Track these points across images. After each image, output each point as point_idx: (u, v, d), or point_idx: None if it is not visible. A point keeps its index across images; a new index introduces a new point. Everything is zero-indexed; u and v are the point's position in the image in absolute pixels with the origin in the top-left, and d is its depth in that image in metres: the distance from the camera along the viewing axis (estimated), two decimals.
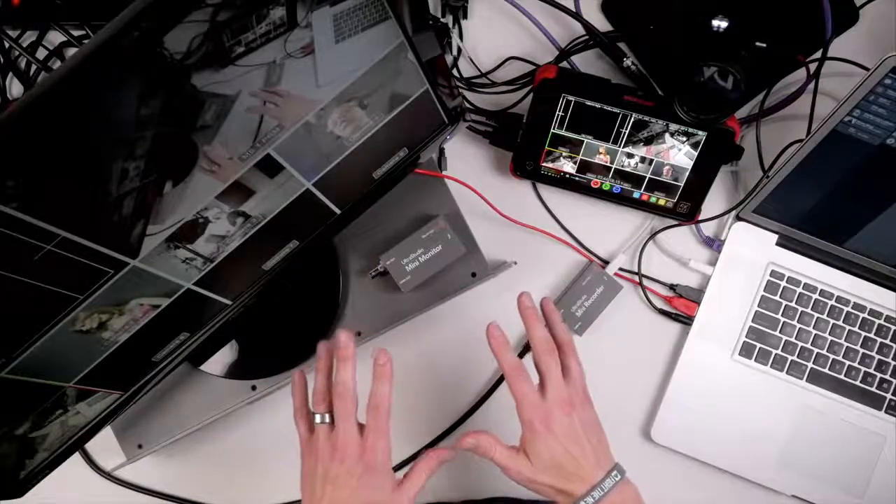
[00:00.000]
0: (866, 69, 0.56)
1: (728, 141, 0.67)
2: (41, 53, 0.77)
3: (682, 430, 0.71)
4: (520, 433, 0.55)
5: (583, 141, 0.69)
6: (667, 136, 0.68)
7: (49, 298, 0.43)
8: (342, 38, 0.45)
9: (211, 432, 0.71)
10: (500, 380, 0.72)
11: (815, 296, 0.72)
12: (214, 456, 0.73)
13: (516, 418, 0.54)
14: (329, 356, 0.57)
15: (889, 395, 0.71)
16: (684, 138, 0.68)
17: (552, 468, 0.53)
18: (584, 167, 0.71)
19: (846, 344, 0.72)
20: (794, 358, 0.72)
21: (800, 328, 0.72)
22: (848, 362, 0.72)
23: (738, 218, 0.73)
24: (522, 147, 0.71)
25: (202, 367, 0.70)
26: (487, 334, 0.57)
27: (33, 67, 0.77)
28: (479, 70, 0.76)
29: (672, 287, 0.74)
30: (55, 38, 0.77)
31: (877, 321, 0.72)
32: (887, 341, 0.72)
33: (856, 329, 0.72)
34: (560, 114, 0.68)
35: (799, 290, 0.72)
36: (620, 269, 0.74)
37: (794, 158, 0.64)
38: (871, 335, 0.72)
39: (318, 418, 0.54)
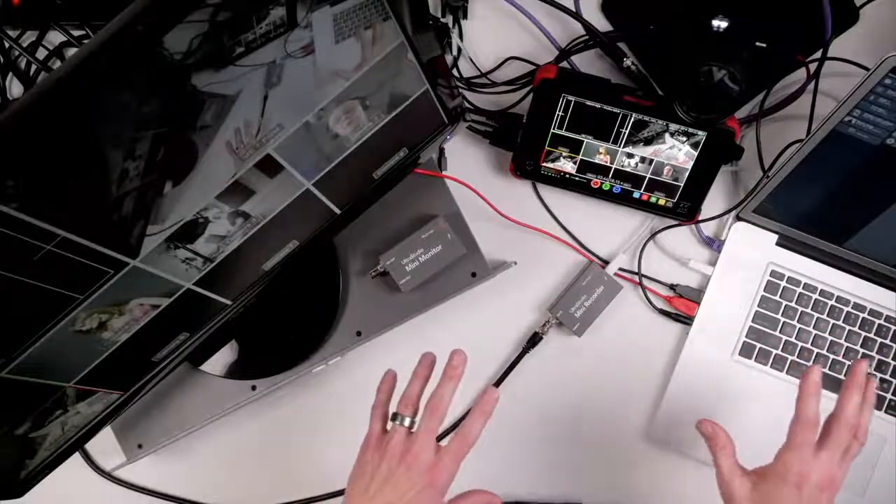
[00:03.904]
0: (866, 69, 0.56)
1: (728, 141, 0.67)
2: (41, 53, 0.77)
3: (682, 430, 0.71)
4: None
5: (583, 141, 0.69)
6: (667, 136, 0.68)
7: (49, 298, 0.43)
8: (342, 38, 0.46)
9: (211, 432, 0.71)
10: (498, 383, 0.72)
11: (815, 296, 0.72)
12: (214, 456, 0.73)
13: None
14: (430, 367, 0.57)
15: (889, 395, 0.71)
16: (684, 138, 0.67)
17: None
18: (584, 167, 0.71)
19: (846, 344, 0.72)
20: (795, 358, 0.72)
21: (800, 328, 0.72)
22: (848, 362, 0.72)
23: (738, 218, 0.73)
24: (522, 147, 0.71)
25: (202, 367, 0.70)
26: (807, 373, 0.56)
27: (33, 67, 0.77)
28: (479, 70, 0.76)
29: (672, 287, 0.74)
30: (55, 38, 0.77)
31: (877, 321, 0.72)
32: (887, 341, 0.72)
33: (856, 329, 0.72)
34: (560, 114, 0.68)
35: (799, 290, 0.72)
36: (620, 269, 0.74)
37: (794, 158, 0.64)
38: (871, 335, 0.72)
39: (400, 420, 0.54)
